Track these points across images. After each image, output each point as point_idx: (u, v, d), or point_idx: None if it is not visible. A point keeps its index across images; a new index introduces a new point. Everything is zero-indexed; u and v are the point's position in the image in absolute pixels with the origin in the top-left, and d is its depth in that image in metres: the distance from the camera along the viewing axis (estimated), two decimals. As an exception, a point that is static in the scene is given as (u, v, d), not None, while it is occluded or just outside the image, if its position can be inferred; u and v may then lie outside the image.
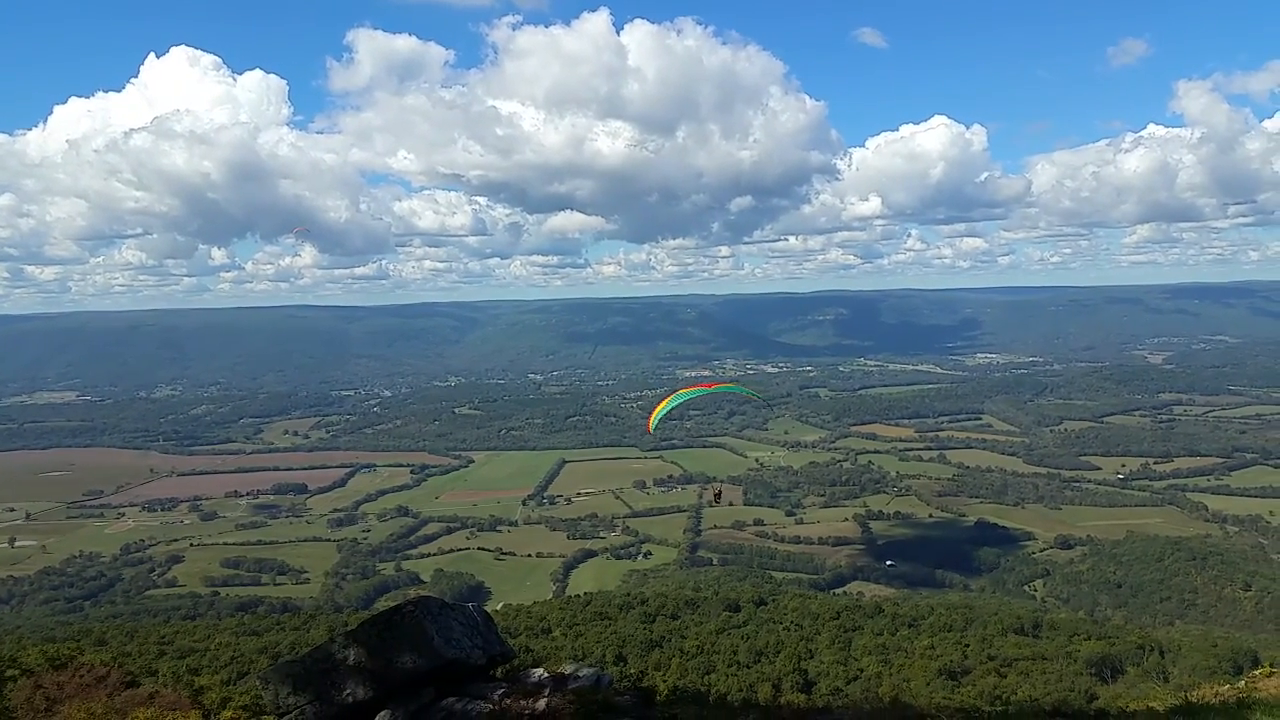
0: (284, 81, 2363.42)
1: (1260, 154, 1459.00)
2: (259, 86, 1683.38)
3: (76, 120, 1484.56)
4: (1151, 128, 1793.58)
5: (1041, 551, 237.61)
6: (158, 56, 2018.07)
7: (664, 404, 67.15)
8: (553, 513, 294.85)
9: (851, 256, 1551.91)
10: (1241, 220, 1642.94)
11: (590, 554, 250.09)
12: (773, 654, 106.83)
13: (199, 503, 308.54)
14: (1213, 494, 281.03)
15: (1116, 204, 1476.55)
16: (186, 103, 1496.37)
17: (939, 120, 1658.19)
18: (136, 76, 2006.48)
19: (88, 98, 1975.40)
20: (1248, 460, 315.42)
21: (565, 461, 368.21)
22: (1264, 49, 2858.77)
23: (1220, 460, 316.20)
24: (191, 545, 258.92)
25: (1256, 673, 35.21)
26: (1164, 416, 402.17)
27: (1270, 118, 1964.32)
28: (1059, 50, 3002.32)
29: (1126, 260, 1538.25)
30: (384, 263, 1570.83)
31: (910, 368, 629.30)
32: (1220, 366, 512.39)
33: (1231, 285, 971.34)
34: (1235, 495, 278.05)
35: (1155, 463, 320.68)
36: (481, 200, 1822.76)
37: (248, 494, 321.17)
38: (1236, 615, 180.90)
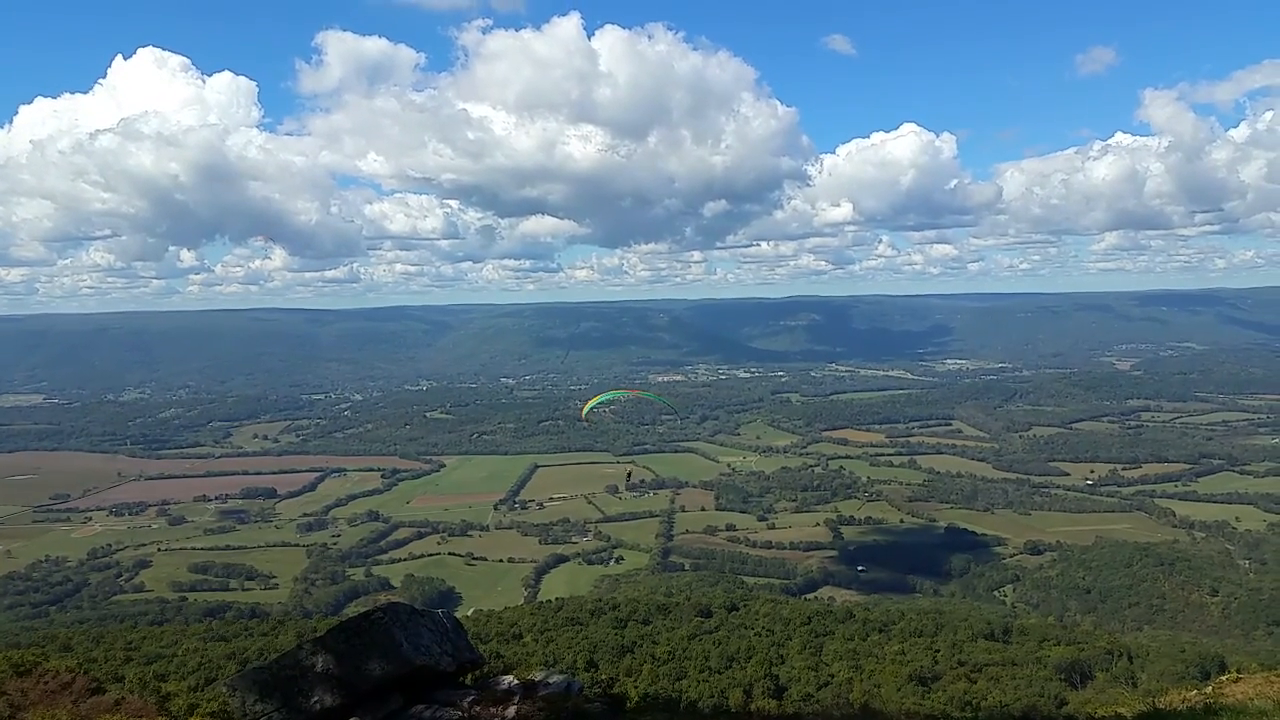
0: (253, 83, 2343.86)
1: (1226, 163, 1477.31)
2: (228, 88, 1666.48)
3: (42, 121, 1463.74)
4: (1119, 136, 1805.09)
5: (1011, 557, 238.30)
6: (125, 58, 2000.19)
7: (597, 398, 75.82)
8: (524, 518, 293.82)
9: (823, 262, 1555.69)
10: (1208, 228, 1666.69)
11: (562, 559, 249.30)
12: (744, 659, 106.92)
13: (167, 507, 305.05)
14: (1180, 500, 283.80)
15: (1085, 211, 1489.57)
16: (154, 104, 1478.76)
17: (909, 127, 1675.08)
18: (104, 78, 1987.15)
19: (54, 98, 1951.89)
20: (1214, 466, 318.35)
21: (537, 466, 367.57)
22: (1229, 59, 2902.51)
23: (1187, 466, 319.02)
24: (159, 550, 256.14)
25: (1223, 678, 35.54)
26: (1132, 423, 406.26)
27: (1236, 127, 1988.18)
28: (1027, 58, 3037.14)
29: (1095, 267, 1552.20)
30: (355, 266, 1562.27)
31: (881, 373, 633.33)
32: (1187, 373, 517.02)
33: (1199, 293, 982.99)
34: (1202, 501, 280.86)
35: (1123, 468, 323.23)
36: (453, 204, 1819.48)
37: (216, 498, 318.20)
38: (1204, 621, 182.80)
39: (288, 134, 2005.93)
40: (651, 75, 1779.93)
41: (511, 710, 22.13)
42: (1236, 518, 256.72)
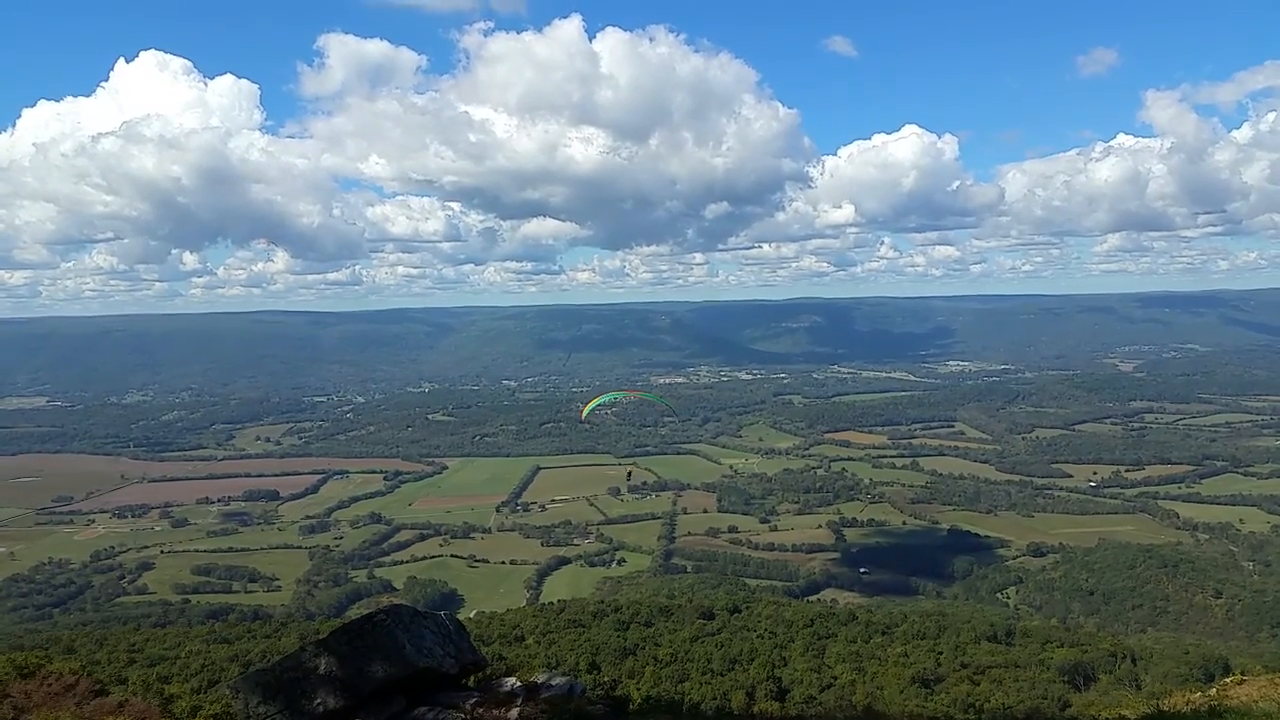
0: (255, 86, 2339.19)
1: (1229, 164, 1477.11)
2: (230, 91, 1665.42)
3: (45, 124, 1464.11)
4: (1121, 137, 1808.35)
5: (1014, 559, 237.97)
6: (128, 61, 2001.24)
7: (597, 399, 76.86)
8: (526, 520, 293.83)
9: (825, 264, 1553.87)
10: (1211, 230, 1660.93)
11: (564, 561, 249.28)
12: (746, 662, 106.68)
13: (170, 509, 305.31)
14: (1183, 501, 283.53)
15: (1087, 213, 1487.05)
16: (157, 107, 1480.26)
17: (910, 129, 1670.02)
18: (107, 80, 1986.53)
19: (56, 101, 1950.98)
20: (1218, 468, 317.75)
21: (539, 468, 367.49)
22: (1231, 60, 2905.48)
23: (1191, 468, 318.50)
24: (162, 552, 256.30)
25: (1227, 680, 35.45)
26: (1135, 424, 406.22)
27: (1238, 128, 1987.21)
28: (1029, 59, 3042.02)
29: (1098, 269, 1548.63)
30: (357, 268, 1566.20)
31: (883, 375, 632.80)
32: (1190, 375, 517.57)
33: (1201, 294, 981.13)
34: (1206, 503, 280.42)
35: (1126, 470, 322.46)
36: (455, 206, 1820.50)
37: (219, 500, 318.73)
38: (1208, 623, 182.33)
39: (289, 137, 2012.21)
40: (653, 77, 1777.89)
41: (514, 712, 22.13)
42: (1240, 519, 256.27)
